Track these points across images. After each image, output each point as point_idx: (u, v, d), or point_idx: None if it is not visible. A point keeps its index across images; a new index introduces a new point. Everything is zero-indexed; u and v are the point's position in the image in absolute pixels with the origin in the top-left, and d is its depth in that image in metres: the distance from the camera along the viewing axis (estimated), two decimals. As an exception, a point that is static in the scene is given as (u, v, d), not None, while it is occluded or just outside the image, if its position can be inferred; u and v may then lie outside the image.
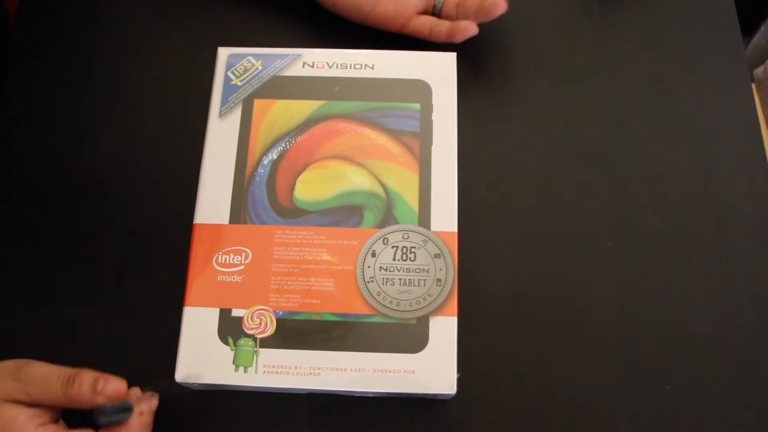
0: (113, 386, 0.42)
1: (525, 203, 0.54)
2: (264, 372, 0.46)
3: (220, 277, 0.48)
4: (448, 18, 0.56)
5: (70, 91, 0.58)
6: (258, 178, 0.50)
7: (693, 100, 0.57)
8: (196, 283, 0.48)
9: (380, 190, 0.50)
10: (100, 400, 0.41)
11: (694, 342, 0.51)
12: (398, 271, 0.48)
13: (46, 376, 0.41)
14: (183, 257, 0.49)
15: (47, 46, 0.59)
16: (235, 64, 0.53)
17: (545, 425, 0.49)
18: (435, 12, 0.56)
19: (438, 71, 0.53)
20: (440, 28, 0.54)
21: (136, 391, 0.44)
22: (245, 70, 0.53)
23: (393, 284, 0.47)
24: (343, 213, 0.49)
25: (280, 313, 0.47)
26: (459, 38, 0.53)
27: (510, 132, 0.56)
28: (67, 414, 0.44)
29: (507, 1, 0.53)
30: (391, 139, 0.51)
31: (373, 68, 0.53)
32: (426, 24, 0.55)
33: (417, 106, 0.52)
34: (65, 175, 0.56)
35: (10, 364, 0.42)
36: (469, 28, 0.53)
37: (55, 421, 0.43)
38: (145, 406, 0.44)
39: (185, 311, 0.47)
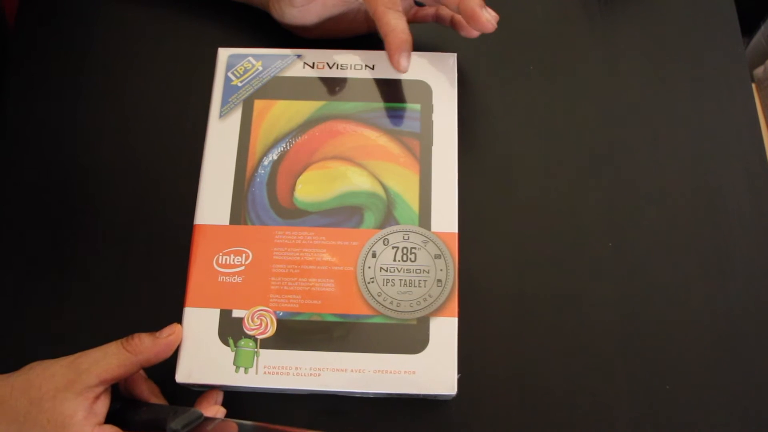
0: (169, 327, 0.45)
1: (525, 203, 0.54)
2: (264, 373, 0.46)
3: (220, 278, 0.48)
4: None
5: (70, 92, 0.58)
6: (258, 179, 0.50)
7: (693, 100, 0.57)
8: (196, 284, 0.48)
9: (380, 191, 0.50)
10: (162, 342, 0.43)
11: (694, 342, 0.51)
12: (399, 271, 0.48)
13: (103, 349, 0.42)
14: (183, 258, 0.49)
15: (46, 47, 0.59)
16: (236, 64, 0.53)
17: (545, 425, 0.49)
18: None
19: (438, 71, 0.53)
20: (446, 20, 0.54)
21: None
22: (245, 71, 0.53)
23: (393, 285, 0.47)
24: (344, 213, 0.49)
25: (281, 313, 0.47)
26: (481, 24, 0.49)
27: (510, 132, 0.56)
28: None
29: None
30: (392, 140, 0.51)
31: (373, 69, 0.53)
32: (428, 15, 0.55)
33: (417, 106, 0.52)
34: (65, 175, 0.55)
35: (57, 359, 0.42)
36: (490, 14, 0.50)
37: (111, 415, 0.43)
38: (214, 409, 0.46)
39: (185, 312, 0.47)
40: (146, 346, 0.43)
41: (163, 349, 0.44)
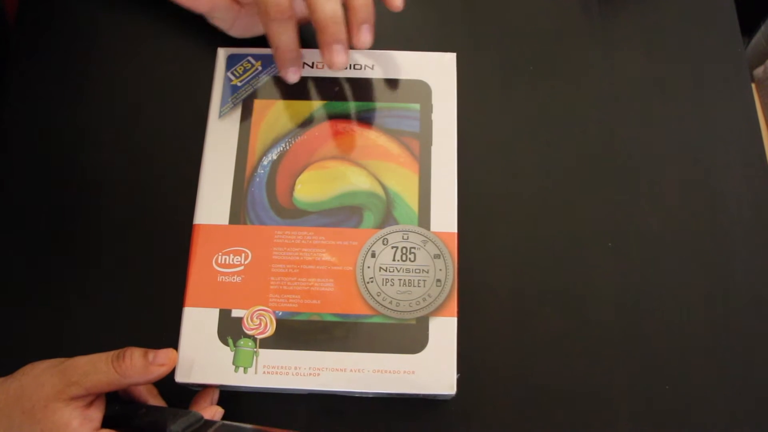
0: (165, 354, 0.42)
1: (525, 203, 0.54)
2: (264, 372, 0.46)
3: (219, 278, 0.48)
4: None
5: (70, 91, 0.58)
6: (258, 179, 0.50)
7: (693, 100, 0.57)
8: (195, 284, 0.48)
9: (380, 191, 0.50)
10: (154, 370, 0.42)
11: (694, 342, 0.51)
12: (398, 271, 0.48)
13: (93, 361, 0.41)
14: (182, 258, 0.49)
15: (47, 47, 0.59)
16: (235, 64, 0.53)
17: (545, 425, 0.49)
18: None
19: (438, 71, 0.53)
20: None
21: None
22: (245, 71, 0.53)
23: (393, 285, 0.47)
24: (343, 213, 0.49)
25: (280, 313, 0.47)
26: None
27: (510, 132, 0.56)
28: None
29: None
30: (391, 140, 0.51)
31: (372, 68, 0.53)
32: None
33: (417, 106, 0.52)
34: (65, 175, 0.56)
35: (48, 363, 0.41)
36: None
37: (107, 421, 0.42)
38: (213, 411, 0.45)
39: (185, 312, 0.47)
40: (137, 370, 0.41)
41: (154, 377, 0.42)
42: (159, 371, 0.42)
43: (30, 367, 0.42)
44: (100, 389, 0.41)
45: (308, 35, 0.58)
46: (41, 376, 0.40)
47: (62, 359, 0.41)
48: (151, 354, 0.42)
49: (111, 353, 0.41)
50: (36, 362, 0.42)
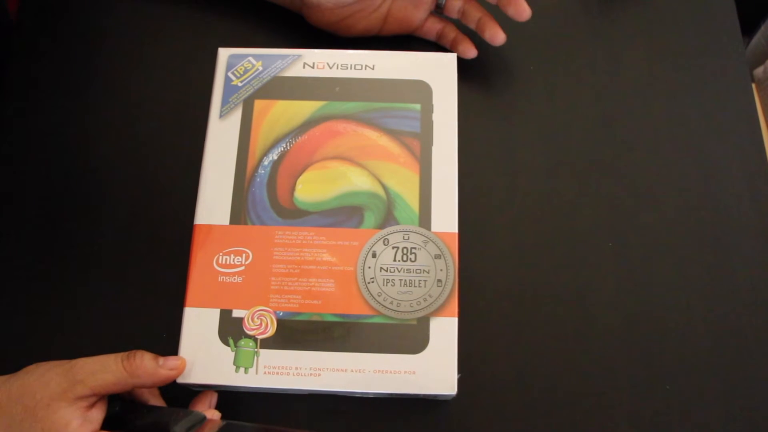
0: (174, 360, 0.43)
1: (525, 204, 0.54)
2: (264, 373, 0.46)
3: (220, 278, 0.48)
4: (450, 14, 0.57)
5: (70, 91, 0.58)
6: (258, 179, 0.50)
7: (693, 100, 0.57)
8: (196, 284, 0.48)
9: (381, 191, 0.50)
10: (163, 373, 0.42)
11: (694, 342, 0.51)
12: (399, 271, 0.48)
13: (102, 360, 0.41)
14: (183, 258, 0.49)
15: (47, 47, 0.59)
16: (236, 64, 0.53)
17: (545, 426, 0.49)
18: (438, 8, 0.57)
19: (438, 72, 0.53)
20: (446, 40, 0.57)
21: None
22: (246, 71, 0.53)
23: (393, 285, 0.47)
24: (344, 214, 0.49)
25: (281, 313, 0.47)
26: (459, 54, 0.57)
27: (510, 132, 0.56)
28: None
29: (505, 34, 0.55)
30: (392, 140, 0.51)
31: (373, 69, 0.53)
32: (433, 31, 0.58)
33: (417, 106, 0.52)
34: (65, 175, 0.56)
35: (53, 363, 0.42)
36: (467, 52, 0.56)
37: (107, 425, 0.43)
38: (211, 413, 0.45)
39: (185, 312, 0.47)
40: (146, 371, 0.42)
41: (162, 380, 0.43)
42: (168, 375, 0.43)
43: (34, 367, 0.42)
44: (106, 389, 0.41)
45: (307, 35, 0.58)
46: (46, 375, 0.41)
47: (67, 360, 0.42)
48: (161, 359, 0.43)
49: (120, 354, 0.42)
50: (40, 363, 0.42)
